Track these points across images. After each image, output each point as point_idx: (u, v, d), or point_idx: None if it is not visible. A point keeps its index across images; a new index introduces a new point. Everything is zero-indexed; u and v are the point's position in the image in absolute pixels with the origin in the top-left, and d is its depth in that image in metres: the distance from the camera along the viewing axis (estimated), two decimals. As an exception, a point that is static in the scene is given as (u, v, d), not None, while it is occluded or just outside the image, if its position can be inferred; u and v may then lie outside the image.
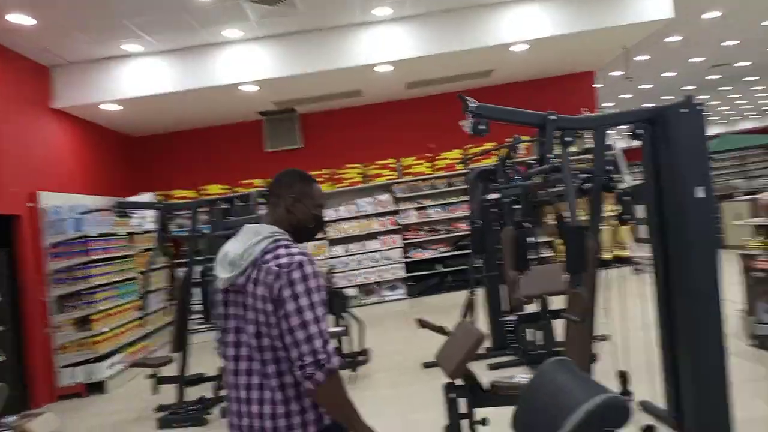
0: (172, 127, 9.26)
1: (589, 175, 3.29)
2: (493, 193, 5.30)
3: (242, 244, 1.74)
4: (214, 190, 8.96)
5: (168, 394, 4.99)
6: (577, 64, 9.07)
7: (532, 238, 4.90)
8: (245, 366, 1.73)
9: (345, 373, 5.41)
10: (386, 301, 8.91)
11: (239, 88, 7.47)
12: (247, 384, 1.72)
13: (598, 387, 1.76)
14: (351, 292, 8.53)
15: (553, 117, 3.11)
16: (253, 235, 1.75)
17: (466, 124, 3.29)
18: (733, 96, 18.19)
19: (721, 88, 16.18)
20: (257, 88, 7.55)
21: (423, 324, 5.19)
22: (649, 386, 3.21)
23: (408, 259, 8.93)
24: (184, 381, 4.88)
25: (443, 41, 7.16)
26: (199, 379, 5.23)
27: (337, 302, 5.58)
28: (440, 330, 5.09)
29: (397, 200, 9.05)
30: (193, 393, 5.02)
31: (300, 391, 1.70)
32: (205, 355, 5.99)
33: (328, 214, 9.02)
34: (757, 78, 15.30)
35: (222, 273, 1.76)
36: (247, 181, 9.00)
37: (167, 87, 7.06)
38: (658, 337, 3.21)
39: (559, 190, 4.16)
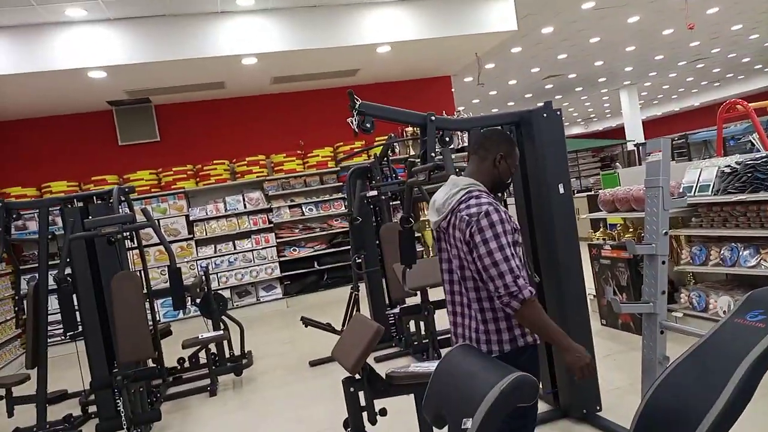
0: (10, 116, 8.16)
1: (466, 172, 3.52)
2: (371, 190, 5.43)
3: (444, 194, 2.11)
4: (60, 187, 7.97)
5: (26, 415, 4.39)
6: (435, 69, 9.60)
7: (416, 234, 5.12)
8: (457, 289, 2.14)
9: (229, 378, 5.20)
10: (263, 302, 8.64)
11: (87, 74, 6.81)
12: (459, 302, 2.15)
13: (507, 368, 1.92)
14: (225, 294, 8.20)
15: (433, 118, 3.30)
16: (453, 186, 2.10)
17: (353, 121, 3.34)
18: (564, 104, 20.52)
19: (556, 97, 18.16)
20: (105, 74, 6.94)
21: (307, 322, 5.18)
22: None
23: (283, 258, 8.75)
24: (44, 399, 4.33)
25: (310, 37, 7.17)
26: (62, 396, 4.69)
27: (213, 305, 5.33)
28: (327, 327, 5.12)
29: (269, 198, 8.82)
30: (56, 412, 4.50)
31: (496, 314, 2.06)
32: (66, 370, 5.38)
33: (194, 213, 8.55)
34: (582, 89, 17.41)
35: (432, 217, 2.16)
36: (98, 177, 8.20)
37: (1, 69, 6.24)
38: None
39: (440, 186, 4.39)
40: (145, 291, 4.71)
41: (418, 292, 4.52)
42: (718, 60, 15.77)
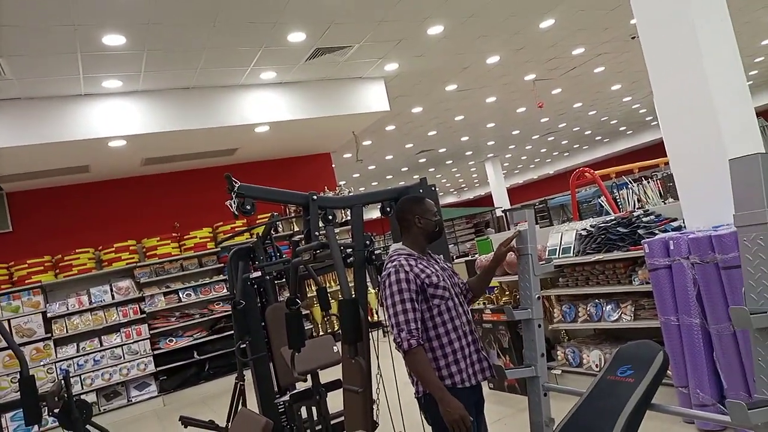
0: None
1: (350, 249, 3.55)
2: (255, 270, 5.23)
3: None
4: None
5: None
6: (315, 146, 9.80)
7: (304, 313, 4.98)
8: None
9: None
10: (135, 403, 7.75)
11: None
12: None
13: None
14: (90, 398, 7.28)
15: (315, 197, 3.33)
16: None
17: (232, 204, 3.26)
18: (437, 176, 21.77)
19: (429, 169, 19.23)
20: (-55, 162, 6.25)
21: (187, 422, 4.72)
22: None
23: (158, 351, 8.00)
24: None
25: (184, 118, 7.04)
26: None
27: (75, 414, 4.70)
28: (210, 425, 4.70)
29: (141, 286, 8.15)
30: None
31: (434, 354, 2.42)
32: None
33: (52, 309, 7.65)
34: (452, 161, 18.66)
35: None
36: (-67, 278, 7.14)
37: None
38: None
39: (325, 264, 4.36)
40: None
41: (309, 376, 4.35)
42: (566, 133, 17.79)
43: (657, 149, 17.80)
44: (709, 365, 3.35)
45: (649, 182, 9.42)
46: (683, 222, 3.92)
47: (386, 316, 2.39)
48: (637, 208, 5.91)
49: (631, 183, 9.23)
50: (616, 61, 10.17)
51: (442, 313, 2.45)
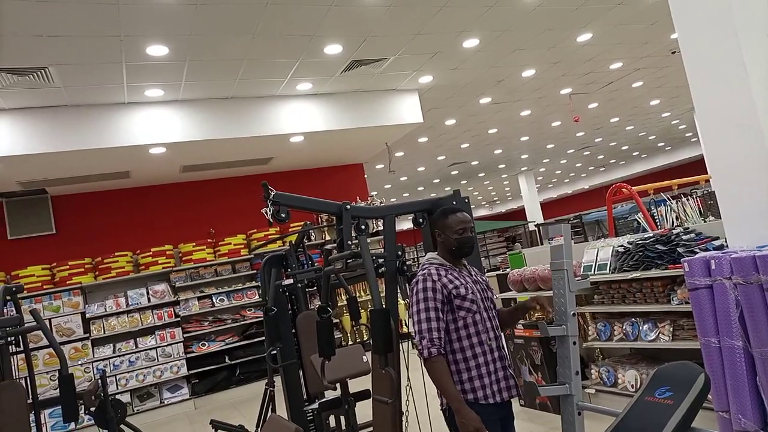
0: None
1: (382, 259, 3.55)
2: (286, 278, 5.29)
3: None
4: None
5: None
6: (348, 157, 9.88)
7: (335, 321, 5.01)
8: None
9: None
10: (167, 405, 7.89)
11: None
12: None
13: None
14: (124, 398, 7.44)
15: (348, 207, 3.36)
16: None
17: (267, 211, 3.32)
18: (469, 188, 21.67)
19: (461, 182, 19.16)
20: (-3, 165, 6.52)
21: (218, 426, 4.79)
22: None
23: (191, 354, 8.14)
24: None
25: (222, 127, 7.20)
26: None
27: (110, 414, 4.80)
28: (239, 430, 4.75)
29: (176, 290, 8.32)
30: None
31: (458, 367, 2.41)
32: None
33: (91, 309, 7.87)
34: (484, 174, 18.55)
35: None
36: (-18, 276, 7.44)
37: None
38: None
39: (357, 273, 4.38)
40: (30, 401, 4.19)
41: (338, 385, 4.35)
42: (602, 148, 17.51)
43: (696, 166, 17.35)
44: (752, 390, 3.22)
45: (688, 199, 9.19)
46: (725, 241, 3.80)
47: (412, 322, 2.42)
48: (676, 226, 5.76)
49: (669, 200, 9.01)
50: (655, 76, 9.99)
51: (468, 326, 2.43)
